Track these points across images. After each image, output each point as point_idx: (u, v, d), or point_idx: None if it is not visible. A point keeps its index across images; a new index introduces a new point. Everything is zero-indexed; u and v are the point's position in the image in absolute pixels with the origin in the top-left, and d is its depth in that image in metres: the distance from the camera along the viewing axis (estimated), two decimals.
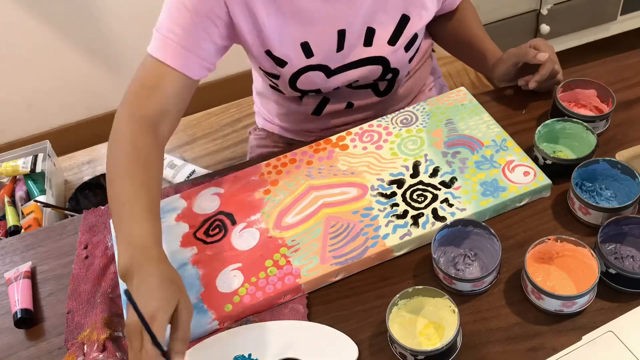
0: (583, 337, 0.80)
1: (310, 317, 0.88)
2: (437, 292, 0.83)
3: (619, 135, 1.04)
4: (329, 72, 1.08)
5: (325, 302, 0.90)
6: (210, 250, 0.96)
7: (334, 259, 0.91)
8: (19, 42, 2.14)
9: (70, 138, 2.26)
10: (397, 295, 0.82)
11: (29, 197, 1.86)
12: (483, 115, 1.08)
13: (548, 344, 0.80)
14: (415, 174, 1.01)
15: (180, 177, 1.70)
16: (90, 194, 1.81)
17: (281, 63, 1.05)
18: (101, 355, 0.86)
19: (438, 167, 1.01)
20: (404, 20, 1.06)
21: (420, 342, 0.82)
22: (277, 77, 1.09)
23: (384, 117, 1.12)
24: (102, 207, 1.09)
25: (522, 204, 0.96)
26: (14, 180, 1.93)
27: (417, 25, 1.08)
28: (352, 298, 0.90)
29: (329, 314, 0.88)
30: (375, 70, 1.11)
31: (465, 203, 0.95)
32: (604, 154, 1.00)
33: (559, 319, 0.83)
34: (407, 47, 1.09)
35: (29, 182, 1.88)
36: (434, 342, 0.82)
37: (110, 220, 1.04)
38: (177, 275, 0.80)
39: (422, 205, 0.96)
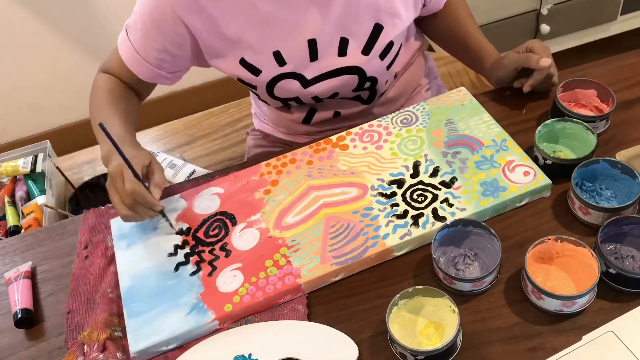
0: (583, 337, 0.80)
1: (310, 317, 0.88)
2: (437, 292, 0.83)
3: (619, 135, 1.04)
4: (305, 81, 1.09)
5: (326, 302, 0.90)
6: (210, 250, 0.96)
7: (334, 259, 0.91)
8: (19, 42, 2.14)
9: (70, 138, 2.26)
10: (397, 295, 0.82)
11: (29, 197, 1.86)
12: (483, 115, 1.08)
13: (548, 344, 0.80)
14: (415, 174, 1.00)
15: (181, 177, 1.70)
16: (91, 194, 1.81)
17: (255, 71, 1.07)
18: (101, 355, 0.86)
19: (438, 167, 1.01)
20: (377, 29, 1.06)
21: (420, 342, 0.82)
22: (255, 87, 1.11)
23: (384, 117, 1.12)
24: (102, 207, 1.09)
25: (522, 204, 0.96)
26: (14, 180, 1.93)
27: (390, 34, 1.07)
28: (352, 298, 0.90)
29: (329, 314, 0.88)
30: (352, 79, 1.11)
31: (465, 203, 0.95)
32: (604, 154, 1.00)
33: (559, 319, 0.83)
34: (382, 55, 1.09)
35: (29, 182, 1.88)
36: (434, 342, 0.82)
37: (111, 221, 1.04)
38: (148, 154, 0.97)
39: (422, 205, 0.96)
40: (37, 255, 1.05)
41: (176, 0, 0.98)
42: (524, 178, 0.97)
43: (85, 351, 0.88)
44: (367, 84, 1.13)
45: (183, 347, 0.88)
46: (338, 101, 1.17)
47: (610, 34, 2.30)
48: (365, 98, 1.18)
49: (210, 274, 0.93)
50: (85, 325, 0.91)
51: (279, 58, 1.05)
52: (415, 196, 0.97)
